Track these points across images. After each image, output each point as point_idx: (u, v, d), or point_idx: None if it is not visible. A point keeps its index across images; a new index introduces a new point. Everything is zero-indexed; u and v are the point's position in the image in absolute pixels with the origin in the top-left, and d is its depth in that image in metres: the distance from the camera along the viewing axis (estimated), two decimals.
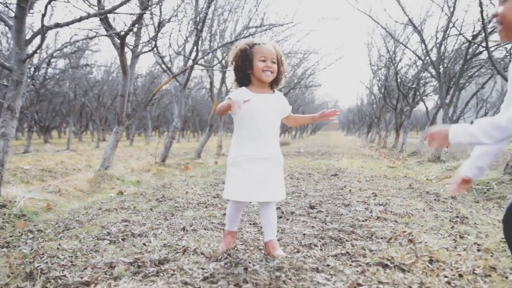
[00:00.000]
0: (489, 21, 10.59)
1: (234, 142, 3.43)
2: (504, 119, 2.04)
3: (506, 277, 2.94)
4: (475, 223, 4.57)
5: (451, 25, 12.73)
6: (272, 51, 3.33)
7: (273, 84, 3.46)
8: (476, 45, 11.72)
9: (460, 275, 2.96)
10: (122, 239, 3.89)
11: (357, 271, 3.06)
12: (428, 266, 3.14)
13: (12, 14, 5.66)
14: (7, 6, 6.54)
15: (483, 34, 8.44)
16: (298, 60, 20.08)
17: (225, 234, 3.62)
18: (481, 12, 8.04)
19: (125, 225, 4.44)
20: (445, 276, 2.94)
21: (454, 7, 12.33)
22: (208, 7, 11.05)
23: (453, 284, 2.81)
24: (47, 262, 3.19)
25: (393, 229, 4.29)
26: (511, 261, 3.27)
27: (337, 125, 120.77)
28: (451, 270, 3.07)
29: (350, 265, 3.19)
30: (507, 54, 11.52)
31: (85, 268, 3.08)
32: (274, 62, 3.32)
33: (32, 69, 15.44)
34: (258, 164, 3.30)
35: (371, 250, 3.54)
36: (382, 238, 3.95)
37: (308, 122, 3.86)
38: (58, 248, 3.58)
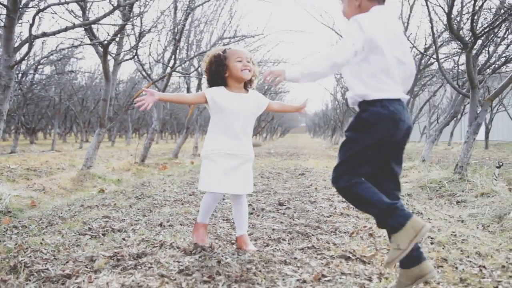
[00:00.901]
0: (439, 36, 10.78)
1: (208, 137, 3.41)
2: (332, 52, 2.43)
3: (456, 268, 2.97)
4: (428, 218, 4.62)
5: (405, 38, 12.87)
6: (246, 52, 3.38)
7: (247, 84, 3.44)
8: (427, 56, 11.91)
9: None
10: (102, 234, 3.82)
11: (322, 263, 3.05)
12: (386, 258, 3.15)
13: (2, 24, 5.53)
14: None
15: (434, 47, 8.56)
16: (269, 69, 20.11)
17: (198, 227, 3.51)
18: (432, 28, 8.16)
19: (105, 221, 4.35)
20: None
21: (408, 23, 12.51)
22: (186, 19, 10.99)
23: None
24: (30, 256, 3.11)
25: (355, 224, 4.30)
26: (460, 252, 3.31)
27: (304, 128, 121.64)
28: None
29: (316, 257, 3.18)
30: (455, 66, 11.73)
31: (67, 262, 3.01)
32: (249, 62, 3.32)
33: (20, 75, 15.14)
34: (230, 158, 3.27)
35: (335, 244, 3.54)
36: (345, 232, 3.96)
37: (290, 111, 3.74)
38: (41, 243, 3.49)
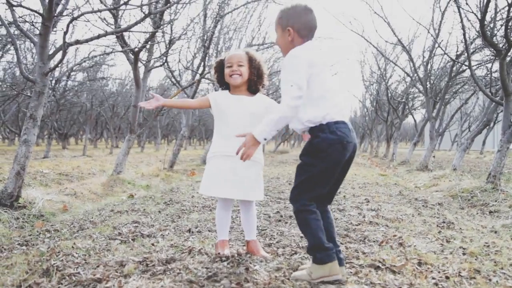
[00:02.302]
0: (471, 43, 10.59)
1: (212, 141, 3.47)
2: (277, 113, 2.69)
3: (490, 280, 2.90)
4: (460, 228, 4.52)
5: (436, 45, 12.74)
6: (237, 55, 3.36)
7: (252, 87, 3.42)
8: (459, 63, 11.72)
9: (447, 277, 2.91)
10: (132, 239, 3.86)
11: (351, 272, 3.01)
12: (417, 268, 3.10)
13: (37, 32, 5.67)
14: (33, 25, 6.55)
15: (466, 54, 8.42)
16: None
17: (218, 245, 3.42)
18: (464, 34, 8.03)
19: (135, 226, 4.40)
20: (433, 278, 2.89)
21: (439, 29, 12.36)
22: (215, 26, 11.09)
23: (440, 286, 2.77)
24: (62, 260, 3.16)
25: (384, 233, 4.24)
26: (494, 264, 3.23)
27: None
28: (439, 272, 3.02)
29: (344, 266, 3.14)
30: (488, 73, 11.51)
31: (98, 266, 3.05)
32: (241, 65, 3.32)
33: (54, 82, 15.50)
34: (229, 160, 3.21)
35: (364, 253, 3.50)
36: (374, 241, 3.91)
37: None
38: (73, 247, 3.55)
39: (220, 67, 3.44)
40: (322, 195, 2.84)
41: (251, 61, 3.37)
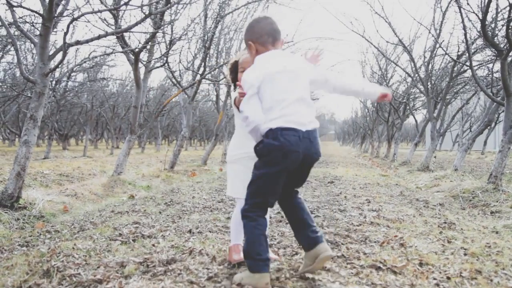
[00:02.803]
0: (472, 43, 10.59)
1: (234, 140, 3.33)
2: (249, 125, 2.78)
3: (491, 280, 2.90)
4: (461, 228, 4.52)
5: (437, 45, 12.74)
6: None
7: None
8: (460, 64, 11.72)
9: (448, 278, 2.92)
10: (132, 240, 3.86)
11: (352, 273, 3.02)
12: (418, 269, 3.10)
13: (37, 32, 5.68)
14: (33, 25, 6.56)
15: (467, 54, 8.42)
16: None
17: (233, 250, 3.27)
18: (465, 34, 8.03)
19: (135, 227, 4.40)
20: (434, 279, 2.90)
21: (440, 30, 12.35)
22: (216, 27, 11.09)
23: (441, 286, 2.77)
24: (63, 261, 3.16)
25: (385, 233, 4.24)
26: (495, 264, 3.23)
27: (333, 136, 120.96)
28: (440, 273, 3.02)
29: (346, 267, 3.15)
30: (489, 73, 11.51)
31: (98, 267, 3.05)
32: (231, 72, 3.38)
33: (54, 82, 15.50)
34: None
35: (365, 253, 3.50)
36: (375, 242, 3.91)
37: None
38: (73, 248, 3.55)
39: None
40: (266, 203, 2.82)
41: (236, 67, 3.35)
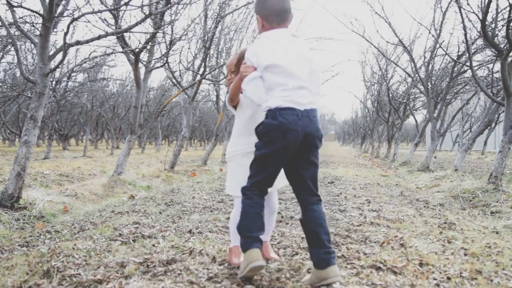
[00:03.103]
0: (472, 43, 10.59)
1: (231, 139, 3.33)
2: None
3: (491, 280, 2.90)
4: (462, 229, 4.52)
5: (438, 46, 12.74)
6: (228, 63, 3.34)
7: None
8: (461, 64, 11.72)
9: (448, 278, 2.91)
10: (133, 240, 3.86)
11: (352, 273, 3.02)
12: (418, 269, 3.10)
13: (38, 33, 5.68)
14: (33, 26, 6.56)
15: (467, 55, 8.41)
16: None
17: (233, 251, 3.21)
18: (465, 34, 8.03)
19: (136, 227, 4.40)
20: (434, 279, 2.89)
21: (440, 30, 12.35)
22: (216, 27, 11.09)
23: (441, 286, 2.77)
24: (63, 261, 3.16)
25: (385, 233, 4.24)
26: (496, 265, 3.23)
27: (333, 136, 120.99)
28: (440, 273, 3.02)
29: (346, 267, 3.15)
30: (489, 73, 11.52)
31: (98, 267, 3.05)
32: (233, 71, 3.28)
33: (54, 82, 15.50)
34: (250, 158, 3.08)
35: (365, 253, 3.50)
36: (375, 242, 3.91)
37: None
38: (73, 248, 3.55)
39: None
40: (265, 183, 2.86)
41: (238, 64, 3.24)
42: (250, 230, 2.75)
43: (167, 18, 9.09)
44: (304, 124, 2.74)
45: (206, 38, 10.97)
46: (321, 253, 2.72)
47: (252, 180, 2.85)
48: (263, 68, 2.80)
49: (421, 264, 3.22)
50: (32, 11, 5.41)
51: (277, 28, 2.90)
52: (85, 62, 11.12)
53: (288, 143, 2.73)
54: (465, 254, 3.52)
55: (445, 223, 4.77)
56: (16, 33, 9.82)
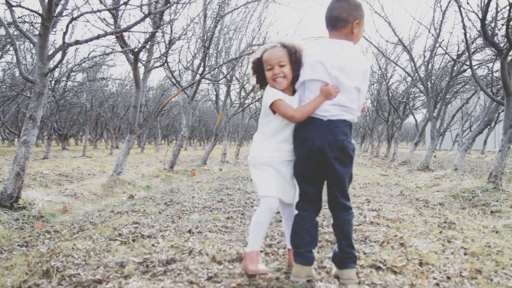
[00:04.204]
0: (472, 42, 10.59)
1: (266, 141, 2.99)
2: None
3: (491, 280, 2.90)
4: (461, 228, 4.52)
5: (437, 45, 12.75)
6: (276, 54, 2.92)
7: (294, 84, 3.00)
8: (460, 63, 11.72)
9: (448, 277, 2.92)
10: (132, 240, 3.86)
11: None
12: (418, 268, 3.10)
13: (37, 32, 5.68)
14: (32, 25, 6.55)
15: (467, 54, 8.42)
16: None
17: (250, 257, 2.91)
18: (465, 34, 8.03)
19: (135, 227, 4.40)
20: (434, 278, 2.90)
21: (440, 29, 12.36)
22: (215, 26, 11.09)
23: (441, 286, 2.77)
24: (62, 261, 3.16)
25: (385, 233, 4.24)
26: (495, 264, 3.23)
27: None
28: (440, 272, 3.03)
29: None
30: (489, 72, 11.52)
31: (98, 267, 3.05)
32: (282, 65, 2.89)
33: (53, 82, 15.50)
34: (287, 166, 2.98)
35: (365, 253, 3.50)
36: (375, 241, 3.91)
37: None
38: (73, 248, 3.55)
39: (259, 66, 3.01)
40: (306, 193, 2.92)
41: (291, 55, 2.91)
42: (298, 246, 2.86)
43: (166, 17, 9.09)
44: (322, 134, 2.77)
45: (205, 38, 10.97)
46: (339, 256, 2.85)
47: (299, 193, 2.99)
48: (310, 79, 2.86)
49: (421, 264, 3.22)
50: (31, 10, 5.41)
51: (335, 34, 2.87)
52: (84, 62, 11.13)
53: (308, 151, 2.81)
54: (465, 254, 3.52)
55: (445, 222, 4.77)
56: (15, 32, 9.81)
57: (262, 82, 3.05)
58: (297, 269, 2.83)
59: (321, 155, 2.78)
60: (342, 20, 2.83)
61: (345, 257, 2.82)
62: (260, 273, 2.86)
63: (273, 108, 2.88)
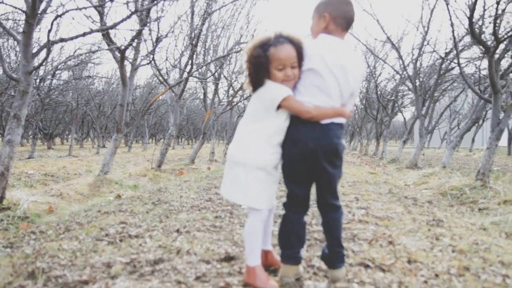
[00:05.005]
0: (460, 40, 10.68)
1: (264, 141, 2.77)
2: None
3: (479, 277, 2.93)
4: (449, 226, 4.56)
5: (425, 43, 12.83)
6: (290, 54, 2.67)
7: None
8: (448, 61, 11.81)
9: (436, 275, 2.94)
10: (119, 240, 3.84)
11: None
12: (406, 266, 3.12)
13: (21, 30, 5.62)
14: (16, 23, 6.49)
15: (455, 52, 8.49)
16: None
17: (254, 272, 2.76)
18: (453, 31, 8.09)
19: (122, 227, 4.38)
20: (422, 276, 2.92)
21: (428, 27, 12.45)
22: (203, 24, 11.06)
23: (429, 284, 2.79)
24: (48, 262, 3.14)
25: (374, 231, 4.27)
26: (483, 261, 3.26)
27: None
28: (428, 270, 3.05)
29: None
30: (476, 70, 11.62)
31: (84, 268, 3.03)
32: (294, 67, 2.69)
33: (38, 80, 15.36)
34: (277, 169, 2.89)
35: (353, 251, 3.52)
36: (363, 239, 3.93)
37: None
38: (59, 249, 3.53)
39: (259, 63, 2.69)
40: (295, 195, 2.88)
41: (300, 55, 2.71)
42: (284, 247, 2.88)
43: (153, 15, 9.06)
44: (315, 136, 2.71)
45: (193, 35, 10.94)
46: (328, 256, 2.86)
47: (288, 193, 2.93)
48: (306, 69, 2.73)
49: (409, 262, 3.24)
50: (15, 7, 5.35)
51: (341, 33, 2.81)
52: (69, 60, 11.04)
53: (300, 153, 2.75)
54: (453, 251, 3.55)
55: (433, 220, 4.81)
56: None
57: (261, 81, 2.74)
58: (285, 269, 2.84)
59: (313, 157, 2.74)
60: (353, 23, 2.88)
61: (334, 256, 2.83)
62: None
63: (285, 104, 2.66)
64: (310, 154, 2.73)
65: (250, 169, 2.75)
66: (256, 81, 2.75)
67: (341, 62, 2.70)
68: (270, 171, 2.80)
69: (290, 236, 2.86)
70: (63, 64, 14.50)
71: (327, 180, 2.84)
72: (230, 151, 2.86)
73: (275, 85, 2.69)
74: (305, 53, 2.73)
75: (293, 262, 2.84)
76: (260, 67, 2.69)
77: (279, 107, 2.69)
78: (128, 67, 9.46)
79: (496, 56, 7.56)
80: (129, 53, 9.36)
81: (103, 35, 7.89)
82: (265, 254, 3.04)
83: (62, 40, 5.60)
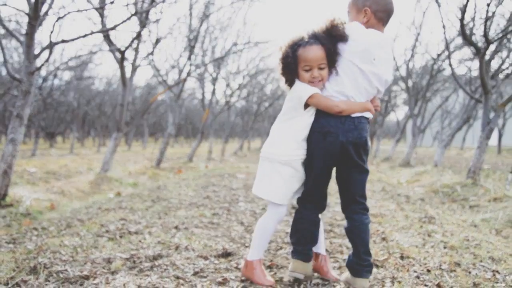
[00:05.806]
0: (452, 41, 10.69)
1: (290, 137, 2.71)
2: None
3: (469, 272, 2.94)
4: (441, 222, 4.57)
5: (418, 44, 12.85)
6: (317, 55, 2.58)
7: None
8: (440, 62, 11.83)
9: (428, 270, 2.95)
10: (119, 237, 3.84)
11: (335, 267, 3.04)
12: (399, 262, 3.13)
13: (23, 31, 5.60)
14: (19, 24, 6.47)
15: (447, 53, 8.50)
16: None
17: (253, 266, 2.76)
18: (444, 33, 8.11)
19: (122, 224, 4.38)
20: (415, 271, 2.93)
21: (420, 29, 12.45)
22: (201, 25, 11.05)
23: (422, 279, 2.80)
24: (50, 258, 3.13)
25: None
26: (474, 257, 3.27)
27: None
28: (420, 265, 3.06)
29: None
30: (467, 71, 11.64)
31: (85, 263, 3.03)
32: (322, 68, 2.61)
33: (40, 81, 15.31)
34: (303, 165, 2.77)
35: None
36: None
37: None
38: (60, 245, 3.52)
39: (287, 64, 2.65)
40: (315, 192, 2.72)
41: (329, 55, 2.61)
42: (295, 242, 2.79)
43: (152, 16, 9.04)
44: (346, 129, 2.58)
45: (191, 37, 10.93)
46: (355, 263, 2.66)
47: (304, 191, 2.77)
48: (350, 60, 2.58)
49: (402, 257, 3.25)
50: (18, 9, 5.34)
51: (382, 28, 2.70)
52: (71, 60, 11.03)
53: (328, 147, 2.60)
54: (445, 247, 3.56)
55: (426, 217, 4.82)
56: (1, 31, 9.68)
57: (293, 79, 2.69)
58: (296, 264, 2.73)
59: (342, 151, 2.59)
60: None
61: (361, 264, 2.64)
62: (271, 285, 2.70)
63: (313, 101, 2.60)
64: (339, 148, 2.59)
65: (274, 164, 2.71)
66: (288, 80, 2.70)
67: (387, 56, 2.66)
68: (297, 168, 2.71)
69: (304, 233, 2.75)
70: (64, 64, 14.44)
71: (356, 175, 2.68)
72: (262, 148, 2.84)
73: (301, 85, 2.64)
74: (354, 40, 2.57)
75: (303, 258, 2.72)
76: (288, 67, 2.64)
77: (307, 105, 2.63)
78: (128, 68, 9.45)
79: (487, 57, 7.57)
80: (129, 54, 9.35)
81: (103, 36, 7.87)
82: (316, 256, 2.91)
83: (63, 41, 5.59)
